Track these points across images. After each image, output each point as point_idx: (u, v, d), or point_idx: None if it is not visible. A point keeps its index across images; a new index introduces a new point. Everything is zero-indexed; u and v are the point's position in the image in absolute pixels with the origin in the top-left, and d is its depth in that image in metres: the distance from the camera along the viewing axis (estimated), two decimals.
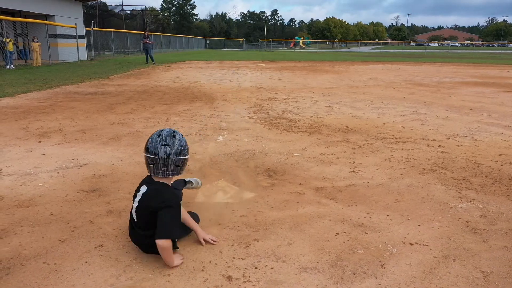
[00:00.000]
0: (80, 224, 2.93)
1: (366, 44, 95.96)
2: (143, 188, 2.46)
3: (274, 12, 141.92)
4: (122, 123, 6.52)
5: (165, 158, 2.37)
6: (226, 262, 2.45)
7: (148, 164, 2.43)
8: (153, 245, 2.36)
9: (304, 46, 79.72)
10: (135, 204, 2.47)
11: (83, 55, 25.09)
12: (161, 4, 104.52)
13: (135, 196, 2.52)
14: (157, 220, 2.32)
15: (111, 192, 3.54)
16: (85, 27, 26.57)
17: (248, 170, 4.22)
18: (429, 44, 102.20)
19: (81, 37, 25.11)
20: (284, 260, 2.48)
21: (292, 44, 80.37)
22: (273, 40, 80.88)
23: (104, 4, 39.76)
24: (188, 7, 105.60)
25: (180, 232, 2.58)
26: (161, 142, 2.37)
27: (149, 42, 22.90)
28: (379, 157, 4.77)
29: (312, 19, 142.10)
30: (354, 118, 7.19)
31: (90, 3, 31.90)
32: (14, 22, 20.47)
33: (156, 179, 2.49)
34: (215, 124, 6.51)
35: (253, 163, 4.48)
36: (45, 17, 22.50)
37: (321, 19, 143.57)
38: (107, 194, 3.50)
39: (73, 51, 23.66)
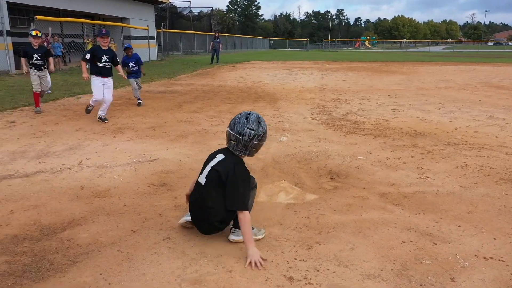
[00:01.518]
0: (150, 216, 3.11)
1: (437, 44, 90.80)
2: (220, 156, 2.68)
3: (340, 11, 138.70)
4: (189, 121, 6.78)
5: (247, 140, 2.59)
6: (288, 263, 2.46)
7: (229, 140, 2.65)
8: (216, 222, 2.60)
9: (370, 46, 77.36)
10: (208, 169, 2.66)
11: (154, 55, 26.43)
12: (227, 5, 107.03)
13: (208, 161, 2.71)
14: (230, 189, 2.52)
15: (178, 188, 3.71)
16: (156, 28, 27.98)
17: (310, 172, 4.20)
18: (509, 44, 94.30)
19: (152, 38, 26.47)
20: (346, 265, 2.44)
21: (357, 44, 78.33)
22: (338, 40, 79.40)
23: (174, 7, 41.47)
24: (253, 8, 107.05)
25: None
26: (248, 125, 2.59)
27: (219, 43, 23.54)
28: (450, 163, 4.52)
29: (379, 18, 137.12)
30: (423, 122, 6.86)
31: (161, 6, 33.47)
32: (93, 24, 22.05)
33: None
34: (278, 125, 6.55)
35: (316, 165, 4.45)
36: (121, 19, 24.01)
37: (389, 18, 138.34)
38: (174, 189, 3.68)
39: (145, 51, 24.97)
